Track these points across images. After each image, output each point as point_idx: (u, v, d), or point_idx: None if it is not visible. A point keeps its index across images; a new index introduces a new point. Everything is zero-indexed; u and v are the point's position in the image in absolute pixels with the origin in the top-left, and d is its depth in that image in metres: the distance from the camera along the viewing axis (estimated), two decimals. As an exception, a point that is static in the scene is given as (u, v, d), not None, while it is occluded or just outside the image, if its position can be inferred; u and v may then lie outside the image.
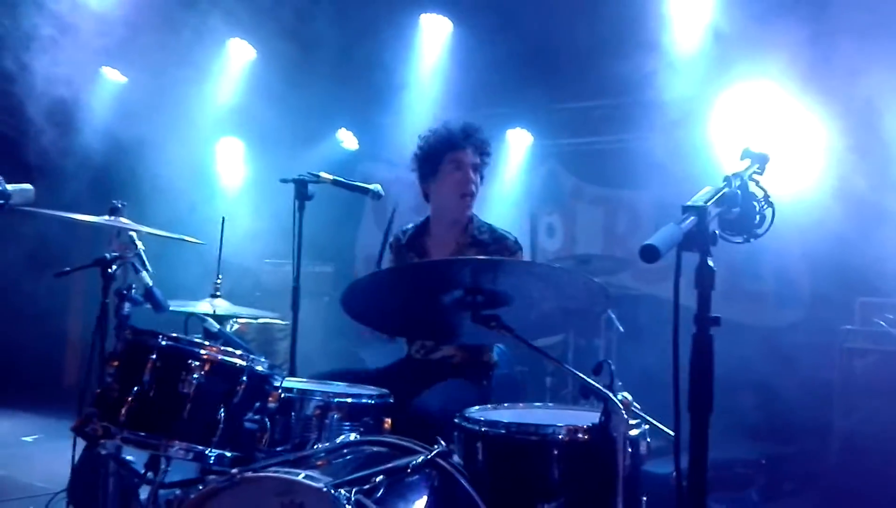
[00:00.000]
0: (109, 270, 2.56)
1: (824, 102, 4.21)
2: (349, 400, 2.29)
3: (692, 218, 1.31)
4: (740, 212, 1.44)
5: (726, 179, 1.45)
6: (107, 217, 2.54)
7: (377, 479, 1.75)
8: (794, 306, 5.33)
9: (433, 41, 5.99)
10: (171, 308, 2.64)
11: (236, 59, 6.42)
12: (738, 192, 1.42)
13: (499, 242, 3.04)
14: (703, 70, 4.73)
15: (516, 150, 6.43)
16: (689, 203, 1.33)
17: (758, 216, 1.49)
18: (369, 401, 2.33)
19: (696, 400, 1.31)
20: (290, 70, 6.10)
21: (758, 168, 1.53)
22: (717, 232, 1.36)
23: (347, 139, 6.98)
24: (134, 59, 5.92)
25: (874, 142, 4.06)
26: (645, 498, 2.10)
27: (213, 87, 6.34)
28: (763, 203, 1.49)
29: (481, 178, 3.09)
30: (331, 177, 3.17)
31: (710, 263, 1.34)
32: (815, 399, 4.28)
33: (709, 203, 1.34)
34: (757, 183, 1.51)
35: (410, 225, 3.24)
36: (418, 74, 6.04)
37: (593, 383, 1.85)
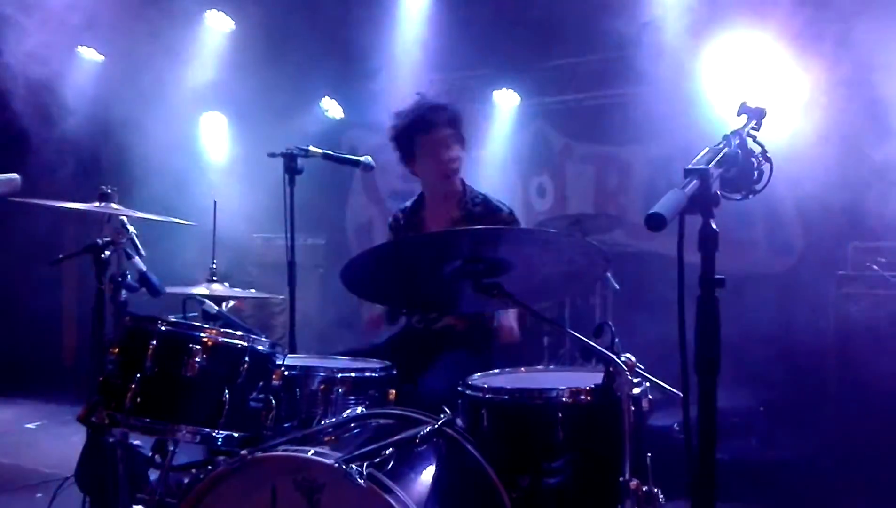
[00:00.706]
0: (102, 256, 2.53)
1: (816, 48, 4.17)
2: (353, 374, 2.29)
3: (695, 181, 1.30)
4: (739, 169, 1.43)
5: (725, 137, 1.43)
6: (97, 204, 2.51)
7: (387, 452, 1.76)
8: (786, 253, 5.35)
9: (415, 2, 5.88)
10: (168, 292, 2.62)
11: (214, 31, 6.29)
12: (739, 151, 1.40)
13: (493, 214, 3.02)
14: (692, 23, 4.67)
15: (503, 111, 6.37)
16: (690, 166, 1.31)
17: (756, 172, 1.48)
18: (373, 374, 2.34)
19: (704, 363, 1.31)
20: (269, 40, 6.00)
21: (755, 124, 1.51)
22: (718, 193, 1.35)
23: (332, 108, 6.90)
24: (110, 35, 5.78)
25: (863, 88, 4.03)
26: (650, 455, 2.12)
27: (192, 60, 6.22)
28: (761, 159, 1.48)
29: (462, 145, 3.06)
30: (320, 151, 3.13)
31: (713, 225, 1.33)
32: (812, 345, 4.32)
33: (710, 165, 1.32)
34: (754, 138, 1.50)
35: (409, 202, 3.23)
36: (401, 37, 5.94)
37: (596, 346, 1.86)
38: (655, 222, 1.19)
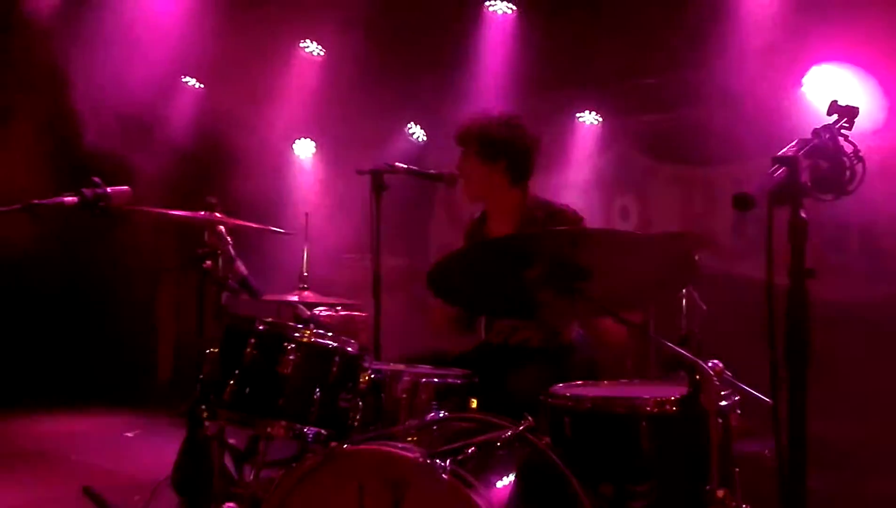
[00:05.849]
0: (204, 265, 2.68)
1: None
2: (436, 380, 2.34)
3: (783, 169, 1.29)
4: (829, 167, 1.41)
5: (815, 131, 1.42)
6: (202, 213, 2.67)
7: (469, 451, 1.79)
8: (884, 278, 5.09)
9: (498, 28, 6.00)
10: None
11: (307, 60, 6.58)
12: (829, 145, 1.39)
13: (554, 216, 2.98)
14: (783, 40, 4.56)
15: (585, 131, 6.37)
16: (779, 154, 1.31)
17: (847, 172, 1.45)
18: (456, 381, 2.38)
19: (794, 353, 1.29)
20: (357, 68, 6.22)
21: (846, 122, 1.49)
22: (808, 183, 1.33)
23: (416, 131, 7.06)
24: (209, 66, 6.15)
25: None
26: (738, 469, 2.07)
27: (286, 88, 6.52)
28: (853, 158, 1.46)
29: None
30: (405, 166, 3.24)
31: (803, 214, 1.32)
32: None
33: (799, 154, 1.32)
34: (846, 138, 1.47)
35: (476, 214, 3.30)
36: (484, 62, 6.05)
37: (681, 350, 1.84)
38: (743, 202, 1.20)
